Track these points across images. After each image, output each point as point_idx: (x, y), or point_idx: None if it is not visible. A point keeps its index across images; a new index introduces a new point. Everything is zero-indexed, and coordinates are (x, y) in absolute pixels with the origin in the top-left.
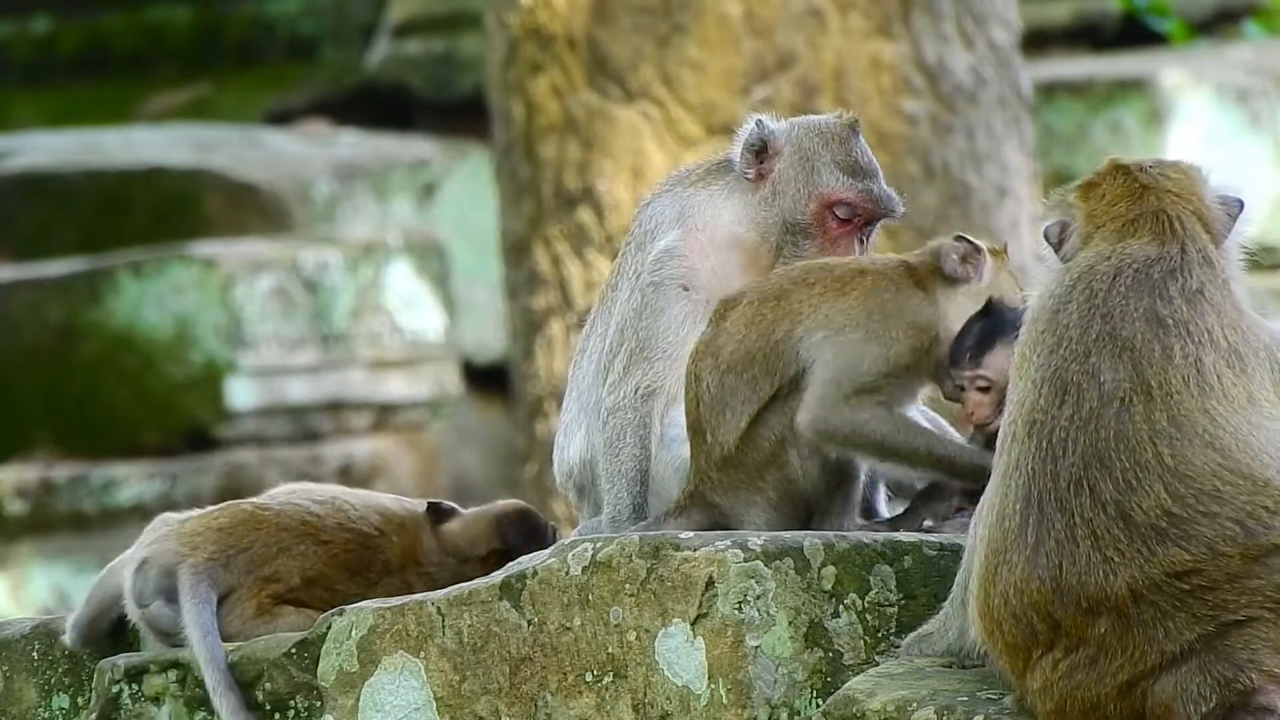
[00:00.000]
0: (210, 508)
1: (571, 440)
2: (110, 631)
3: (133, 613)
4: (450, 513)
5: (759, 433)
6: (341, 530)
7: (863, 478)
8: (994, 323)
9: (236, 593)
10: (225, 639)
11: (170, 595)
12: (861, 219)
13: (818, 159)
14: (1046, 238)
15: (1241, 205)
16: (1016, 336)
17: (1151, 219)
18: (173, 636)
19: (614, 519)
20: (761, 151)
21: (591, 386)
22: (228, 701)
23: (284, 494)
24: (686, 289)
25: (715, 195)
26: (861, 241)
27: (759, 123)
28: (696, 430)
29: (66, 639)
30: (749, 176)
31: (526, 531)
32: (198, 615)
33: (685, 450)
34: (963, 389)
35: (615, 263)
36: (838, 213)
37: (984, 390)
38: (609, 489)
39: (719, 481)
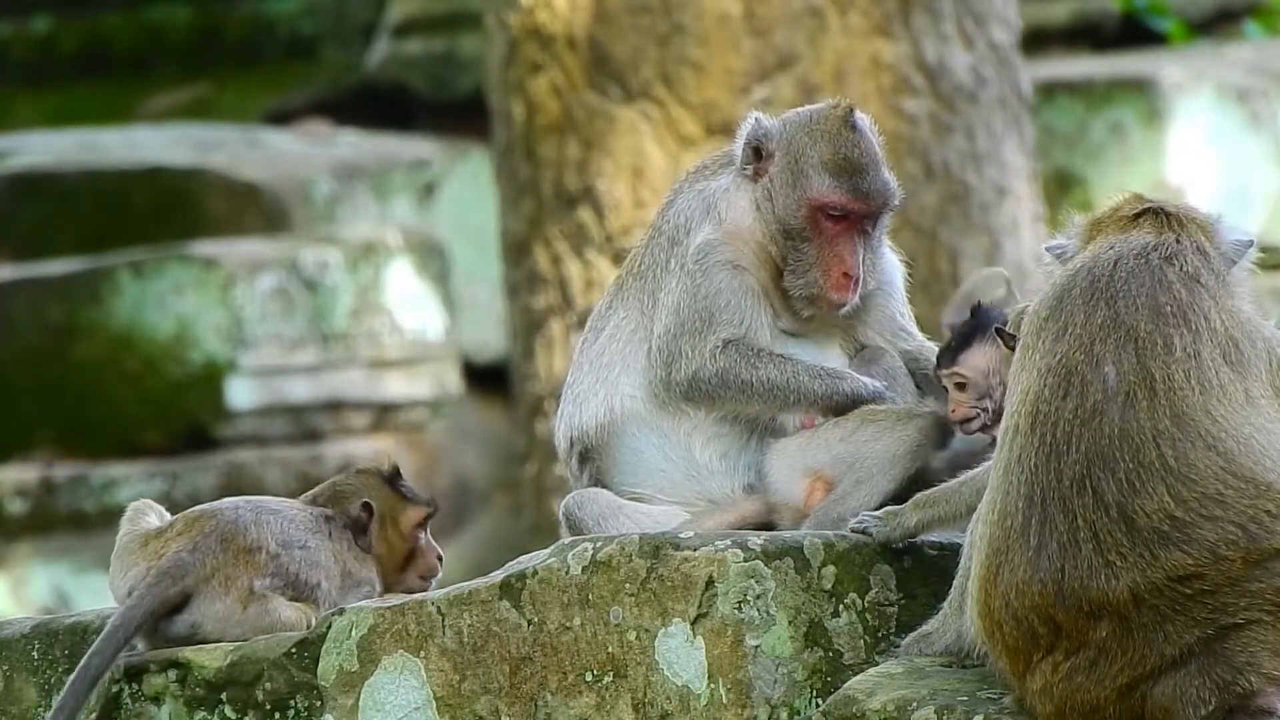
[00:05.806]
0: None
1: (585, 406)
2: None
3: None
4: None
5: None
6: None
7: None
8: (975, 323)
9: (216, 577)
10: (215, 639)
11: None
12: (856, 216)
13: (805, 160)
14: (1051, 252)
15: (1251, 244)
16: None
17: (1152, 215)
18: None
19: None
20: (759, 150)
21: (625, 367)
22: (72, 690)
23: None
24: (737, 267)
25: (730, 187)
26: (865, 234)
27: (756, 120)
28: None
29: None
30: (747, 174)
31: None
32: (125, 611)
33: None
34: (946, 389)
35: (636, 255)
36: (830, 213)
37: (960, 388)
38: (777, 396)
39: None
